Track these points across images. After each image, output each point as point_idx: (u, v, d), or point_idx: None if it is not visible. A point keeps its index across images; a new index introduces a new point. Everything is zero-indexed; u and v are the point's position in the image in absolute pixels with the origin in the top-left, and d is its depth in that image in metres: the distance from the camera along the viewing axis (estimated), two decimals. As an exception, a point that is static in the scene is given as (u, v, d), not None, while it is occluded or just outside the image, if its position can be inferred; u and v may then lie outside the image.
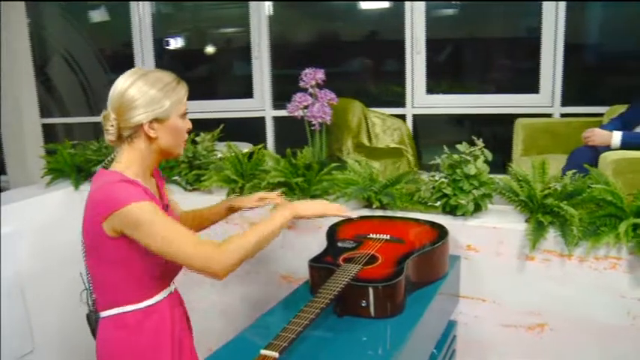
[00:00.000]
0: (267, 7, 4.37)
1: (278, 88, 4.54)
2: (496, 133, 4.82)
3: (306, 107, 3.10)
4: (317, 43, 4.95)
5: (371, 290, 1.50)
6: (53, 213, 2.65)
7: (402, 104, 4.33)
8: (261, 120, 4.51)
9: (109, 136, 1.47)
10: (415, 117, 4.28)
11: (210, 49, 5.12)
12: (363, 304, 1.51)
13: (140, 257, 1.44)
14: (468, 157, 1.94)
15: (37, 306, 2.52)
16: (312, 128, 3.11)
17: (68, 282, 2.70)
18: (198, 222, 1.80)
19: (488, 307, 1.97)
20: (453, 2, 4.59)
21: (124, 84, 1.44)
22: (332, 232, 1.88)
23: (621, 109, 3.28)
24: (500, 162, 4.11)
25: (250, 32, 4.39)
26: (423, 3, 4.14)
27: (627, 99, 3.56)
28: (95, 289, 1.55)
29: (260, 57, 4.36)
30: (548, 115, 4.03)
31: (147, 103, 1.43)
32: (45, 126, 4.82)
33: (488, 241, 1.94)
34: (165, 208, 1.57)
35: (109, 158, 1.54)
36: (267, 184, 2.23)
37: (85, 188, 2.72)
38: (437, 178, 2.08)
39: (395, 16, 4.69)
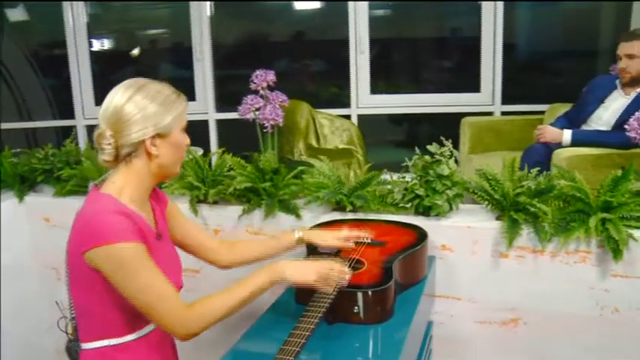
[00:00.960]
0: (209, 8, 4.25)
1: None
2: (435, 131, 4.93)
3: (257, 109, 3.05)
4: (249, 44, 4.88)
5: (364, 296, 1.48)
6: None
7: (341, 104, 4.34)
8: (203, 123, 4.39)
9: (105, 156, 1.34)
10: (358, 117, 4.31)
11: (136, 51, 4.95)
12: (355, 310, 1.49)
13: None
14: (441, 158, 1.96)
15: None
16: (265, 131, 3.06)
17: (14, 302, 2.54)
18: (240, 256, 1.67)
19: (464, 306, 2.00)
20: (384, 2, 4.63)
21: (120, 98, 1.32)
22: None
23: (562, 107, 3.43)
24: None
25: (191, 33, 4.25)
26: (366, 3, 4.16)
27: (562, 97, 3.74)
28: (79, 319, 1.40)
29: (202, 59, 4.24)
30: (489, 114, 4.15)
31: (148, 117, 1.32)
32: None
33: (462, 241, 1.96)
34: (158, 237, 1.44)
35: (101, 178, 1.41)
36: (234, 190, 2.17)
37: (32, 200, 2.55)
38: (407, 179, 2.09)
39: (332, 16, 4.70)
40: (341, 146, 3.86)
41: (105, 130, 1.32)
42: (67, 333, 1.47)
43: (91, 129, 4.45)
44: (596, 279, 1.86)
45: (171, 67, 5.17)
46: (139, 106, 1.32)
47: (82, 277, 1.32)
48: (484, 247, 1.94)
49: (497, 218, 2.00)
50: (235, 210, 2.24)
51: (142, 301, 1.27)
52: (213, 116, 4.34)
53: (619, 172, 1.92)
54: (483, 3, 4.07)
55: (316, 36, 5.08)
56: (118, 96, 1.33)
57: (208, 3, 4.21)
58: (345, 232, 1.72)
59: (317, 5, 4.97)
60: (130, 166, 1.35)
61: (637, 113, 2.09)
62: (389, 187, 2.13)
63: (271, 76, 3.21)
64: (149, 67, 5.01)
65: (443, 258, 1.98)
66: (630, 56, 2.74)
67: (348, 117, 4.25)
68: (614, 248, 1.77)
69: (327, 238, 1.70)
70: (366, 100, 4.29)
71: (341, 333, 1.45)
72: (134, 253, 1.26)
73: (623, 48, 2.77)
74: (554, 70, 4.72)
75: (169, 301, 1.28)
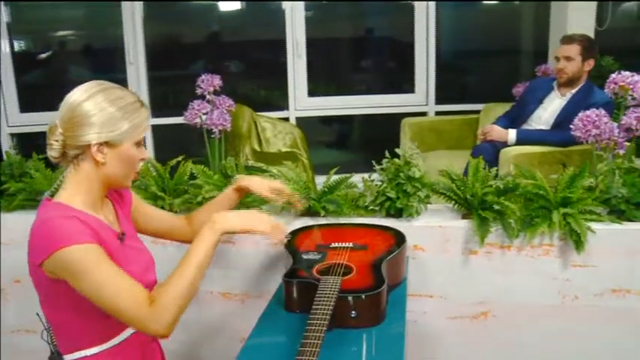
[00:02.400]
0: (142, 7, 4.09)
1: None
2: (365, 131, 5.05)
3: (204, 114, 3.01)
4: (171, 46, 4.75)
5: (361, 300, 1.51)
6: None
7: (272, 107, 4.33)
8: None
9: (52, 152, 1.31)
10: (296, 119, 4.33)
11: (46, 54, 4.70)
12: (353, 315, 1.51)
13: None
14: (413, 160, 2.02)
15: None
16: (212, 136, 3.02)
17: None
18: (200, 224, 1.65)
19: (436, 303, 2.07)
20: (310, 2, 4.66)
21: (80, 96, 1.28)
22: (291, 245, 1.84)
23: (496, 106, 3.62)
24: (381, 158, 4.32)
25: (124, 35, 4.09)
26: (302, 3, 4.17)
27: (488, 96, 3.96)
28: (54, 332, 1.39)
29: (136, 62, 4.10)
30: (424, 114, 4.30)
31: (101, 122, 1.27)
32: None
33: (434, 240, 2.03)
34: (121, 236, 1.41)
35: (56, 184, 1.37)
36: (203, 199, 2.13)
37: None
38: (376, 182, 2.13)
39: (259, 17, 4.66)
40: (284, 150, 3.87)
41: (57, 125, 1.29)
42: (49, 344, 1.42)
43: (19, 137, 4.19)
44: (558, 270, 1.99)
45: (79, 69, 4.94)
46: (97, 107, 1.28)
47: (46, 291, 1.29)
48: (455, 245, 2.02)
49: (463, 217, 2.08)
50: (201, 219, 2.20)
51: (106, 301, 1.22)
52: (149, 121, 4.20)
53: (570, 170, 2.06)
54: (416, 3, 4.19)
55: (242, 37, 5.02)
56: (77, 94, 1.30)
57: (141, 3, 4.05)
58: (274, 183, 1.77)
59: (238, 6, 4.92)
60: (78, 169, 1.32)
61: (580, 114, 2.24)
62: (356, 190, 2.17)
63: (217, 81, 3.18)
64: (60, 69, 4.76)
65: (415, 258, 2.04)
66: (568, 58, 2.95)
67: (286, 120, 4.27)
68: (577, 240, 1.90)
69: (263, 189, 1.73)
70: (304, 102, 4.32)
71: (342, 338, 1.46)
72: (89, 253, 1.22)
73: (562, 50, 2.97)
74: (476, 70, 4.92)
75: (133, 298, 1.22)
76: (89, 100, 1.27)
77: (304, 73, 4.29)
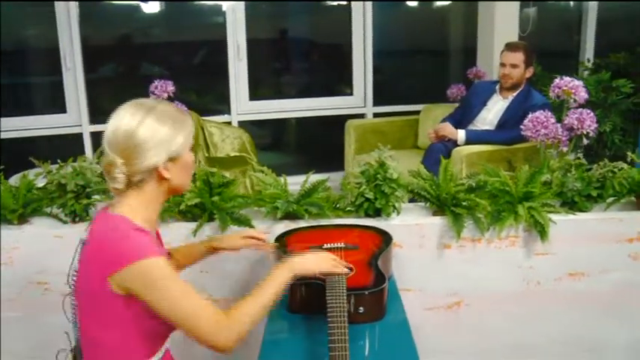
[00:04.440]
0: (78, 8, 3.93)
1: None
2: (300, 133, 5.13)
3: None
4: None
5: (368, 296, 1.61)
6: None
7: (210, 112, 4.33)
8: (77, 137, 4.10)
9: (117, 185, 1.30)
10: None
11: None
12: (361, 311, 1.61)
13: (150, 316, 1.28)
14: (390, 162, 2.14)
15: None
16: (168, 142, 3.01)
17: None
18: (184, 260, 1.70)
19: (413, 296, 2.20)
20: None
21: (130, 122, 1.28)
22: (285, 249, 1.90)
23: (435, 107, 3.84)
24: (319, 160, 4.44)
25: (58, 38, 3.93)
26: (242, 4, 4.18)
27: (420, 97, 4.18)
28: (88, 351, 1.36)
29: (73, 67, 3.95)
30: (362, 116, 4.46)
31: (160, 142, 1.29)
32: None
33: (411, 237, 2.16)
34: (168, 256, 1.46)
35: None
36: (186, 206, 2.14)
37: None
38: (354, 184, 2.23)
39: (191, 18, 4.62)
40: (232, 154, 3.88)
41: (115, 157, 1.29)
42: None
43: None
44: (523, 259, 2.18)
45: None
46: (151, 130, 1.29)
47: (102, 308, 1.28)
48: (430, 241, 2.16)
49: (434, 214, 2.23)
50: (178, 227, 2.20)
51: (179, 314, 1.25)
52: (87, 129, 4.06)
53: (526, 167, 2.26)
54: (353, 3, 4.31)
55: (168, 39, 4.93)
56: (127, 119, 1.29)
57: (76, 3, 3.90)
58: (246, 231, 1.88)
59: (157, 8, 4.83)
60: (140, 190, 1.33)
61: (530, 115, 2.46)
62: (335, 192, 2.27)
63: (171, 87, 3.17)
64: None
65: (394, 255, 2.16)
66: (514, 65, 3.18)
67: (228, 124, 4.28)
68: (541, 231, 2.10)
69: (236, 242, 1.78)
70: (246, 106, 4.35)
71: (353, 334, 1.53)
72: (163, 267, 1.25)
73: (509, 57, 3.20)
74: (405, 71, 5.10)
75: (206, 310, 1.26)
76: (141, 127, 1.28)
77: (245, 76, 4.31)
